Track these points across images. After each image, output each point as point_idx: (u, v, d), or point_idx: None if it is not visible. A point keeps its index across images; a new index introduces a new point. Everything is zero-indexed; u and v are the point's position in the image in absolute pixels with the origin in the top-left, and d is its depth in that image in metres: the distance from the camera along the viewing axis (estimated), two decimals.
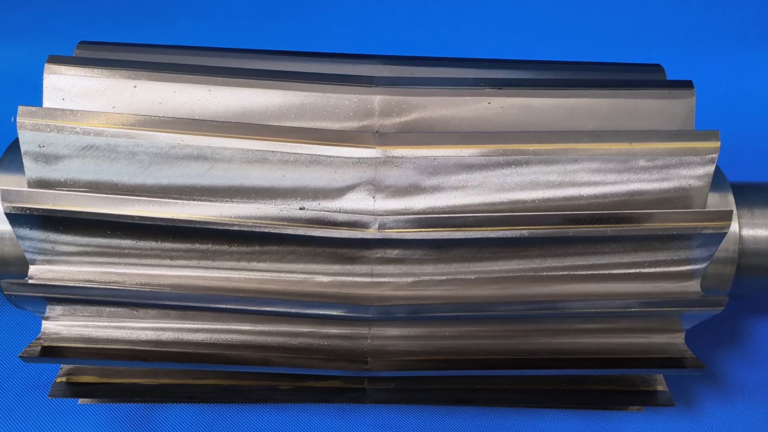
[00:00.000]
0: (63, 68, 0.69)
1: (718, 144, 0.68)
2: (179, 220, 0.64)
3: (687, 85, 0.73)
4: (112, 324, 0.71)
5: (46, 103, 0.69)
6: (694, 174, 0.68)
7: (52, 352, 0.69)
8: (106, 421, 0.83)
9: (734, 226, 0.77)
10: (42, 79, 0.69)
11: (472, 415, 0.84)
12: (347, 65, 0.76)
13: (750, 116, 1.10)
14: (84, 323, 0.71)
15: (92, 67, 0.69)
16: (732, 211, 0.68)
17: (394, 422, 0.84)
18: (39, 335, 0.70)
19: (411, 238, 0.66)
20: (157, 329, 0.71)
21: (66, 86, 0.69)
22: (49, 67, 0.69)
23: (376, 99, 0.69)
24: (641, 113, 0.71)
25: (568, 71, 0.78)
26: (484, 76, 0.75)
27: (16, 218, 0.65)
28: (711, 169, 0.68)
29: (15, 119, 1.10)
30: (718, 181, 0.77)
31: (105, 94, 0.69)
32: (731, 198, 0.78)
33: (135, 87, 0.69)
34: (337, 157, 0.66)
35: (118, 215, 0.64)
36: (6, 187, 0.64)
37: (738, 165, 0.99)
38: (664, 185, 0.68)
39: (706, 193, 0.68)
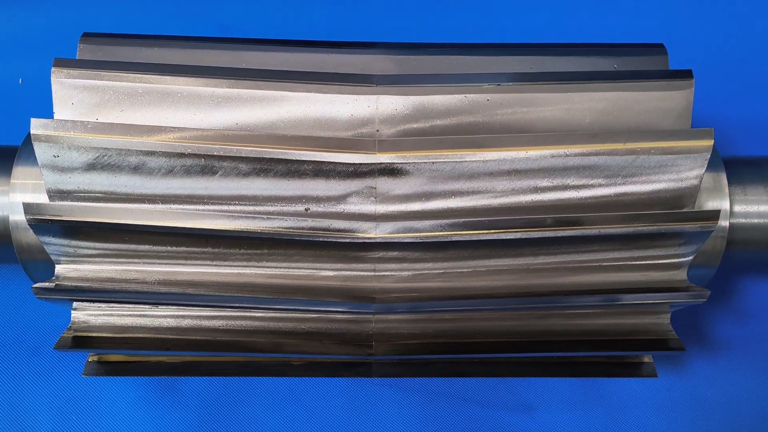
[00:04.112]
0: (70, 72, 0.71)
1: (711, 143, 0.70)
2: (190, 228, 0.68)
3: (686, 75, 0.73)
4: (135, 312, 0.77)
5: (56, 107, 0.71)
6: (687, 174, 0.70)
7: (83, 342, 0.75)
8: (136, 384, 0.91)
9: (725, 204, 0.79)
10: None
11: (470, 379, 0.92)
12: (348, 55, 0.76)
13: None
14: (109, 312, 0.77)
15: (98, 70, 0.71)
16: (719, 211, 0.70)
17: (398, 381, 0.92)
18: (69, 324, 0.76)
19: (410, 241, 0.69)
20: (177, 317, 0.77)
21: (74, 91, 0.71)
22: (56, 72, 0.71)
23: (377, 100, 0.70)
24: (639, 107, 0.72)
25: (569, 56, 0.78)
26: (486, 64, 0.76)
27: (37, 228, 0.69)
28: (703, 169, 0.70)
29: (22, 81, 1.12)
30: (711, 161, 0.78)
31: (112, 98, 0.71)
32: (724, 179, 0.79)
33: (141, 91, 0.71)
34: (340, 163, 0.68)
35: (133, 225, 0.68)
36: (27, 201, 0.69)
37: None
38: (657, 186, 0.70)
39: (697, 191, 0.71)
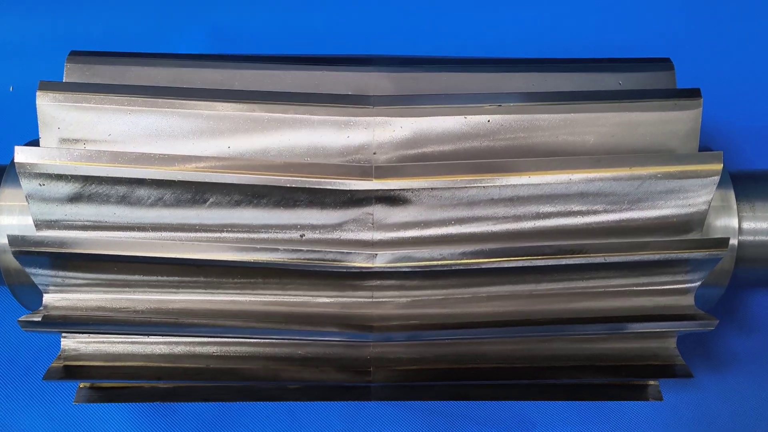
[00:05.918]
0: (56, 96, 0.68)
1: (720, 167, 0.67)
2: (182, 259, 0.66)
3: (694, 94, 0.70)
4: (126, 340, 0.75)
5: (42, 132, 0.69)
6: (695, 200, 0.67)
7: (73, 373, 0.73)
8: (131, 404, 0.89)
9: (734, 221, 0.76)
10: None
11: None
12: (344, 73, 0.73)
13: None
14: (101, 339, 0.75)
15: (85, 93, 0.68)
16: (728, 239, 0.68)
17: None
18: (60, 353, 0.74)
19: (409, 270, 0.67)
20: (169, 343, 0.75)
21: (60, 115, 0.68)
22: (41, 95, 0.68)
23: (374, 122, 0.68)
24: (644, 129, 0.69)
25: (573, 72, 0.75)
26: (486, 82, 0.73)
27: (23, 259, 0.67)
28: (711, 194, 0.67)
29: (12, 89, 1.09)
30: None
31: (100, 122, 0.68)
32: (732, 197, 0.76)
33: (129, 114, 0.68)
34: (335, 191, 0.66)
35: (122, 256, 0.66)
36: (12, 233, 0.67)
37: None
38: (664, 211, 0.68)
39: (705, 215, 0.68)
